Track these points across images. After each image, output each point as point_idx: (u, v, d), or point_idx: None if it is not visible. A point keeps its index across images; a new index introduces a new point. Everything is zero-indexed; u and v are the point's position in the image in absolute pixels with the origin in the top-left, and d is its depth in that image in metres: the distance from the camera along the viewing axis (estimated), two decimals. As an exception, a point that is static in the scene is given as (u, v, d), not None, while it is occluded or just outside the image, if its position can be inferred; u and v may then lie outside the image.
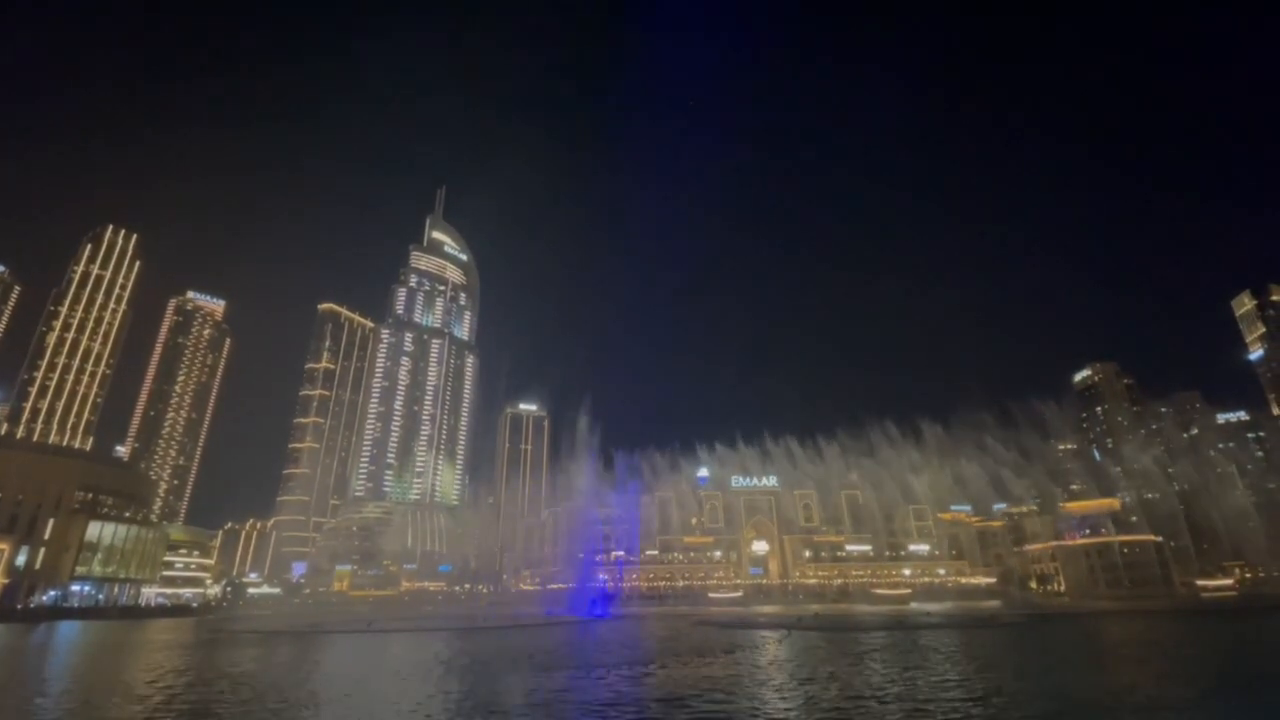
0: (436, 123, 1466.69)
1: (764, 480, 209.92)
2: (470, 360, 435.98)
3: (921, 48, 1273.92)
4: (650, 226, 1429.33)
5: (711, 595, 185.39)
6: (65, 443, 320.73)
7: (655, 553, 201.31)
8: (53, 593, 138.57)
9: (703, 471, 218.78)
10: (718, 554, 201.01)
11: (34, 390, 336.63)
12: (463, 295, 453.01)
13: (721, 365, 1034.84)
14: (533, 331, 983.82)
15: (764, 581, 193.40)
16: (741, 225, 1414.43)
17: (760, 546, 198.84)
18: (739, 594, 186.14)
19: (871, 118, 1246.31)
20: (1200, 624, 69.78)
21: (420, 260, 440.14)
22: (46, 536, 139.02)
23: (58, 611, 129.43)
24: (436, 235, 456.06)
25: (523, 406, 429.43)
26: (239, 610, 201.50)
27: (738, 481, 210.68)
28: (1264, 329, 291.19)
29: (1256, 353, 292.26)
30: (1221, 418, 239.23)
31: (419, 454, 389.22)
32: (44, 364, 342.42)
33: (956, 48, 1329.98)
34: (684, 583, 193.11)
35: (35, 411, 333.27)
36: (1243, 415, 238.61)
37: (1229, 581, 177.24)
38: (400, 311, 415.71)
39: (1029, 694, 24.86)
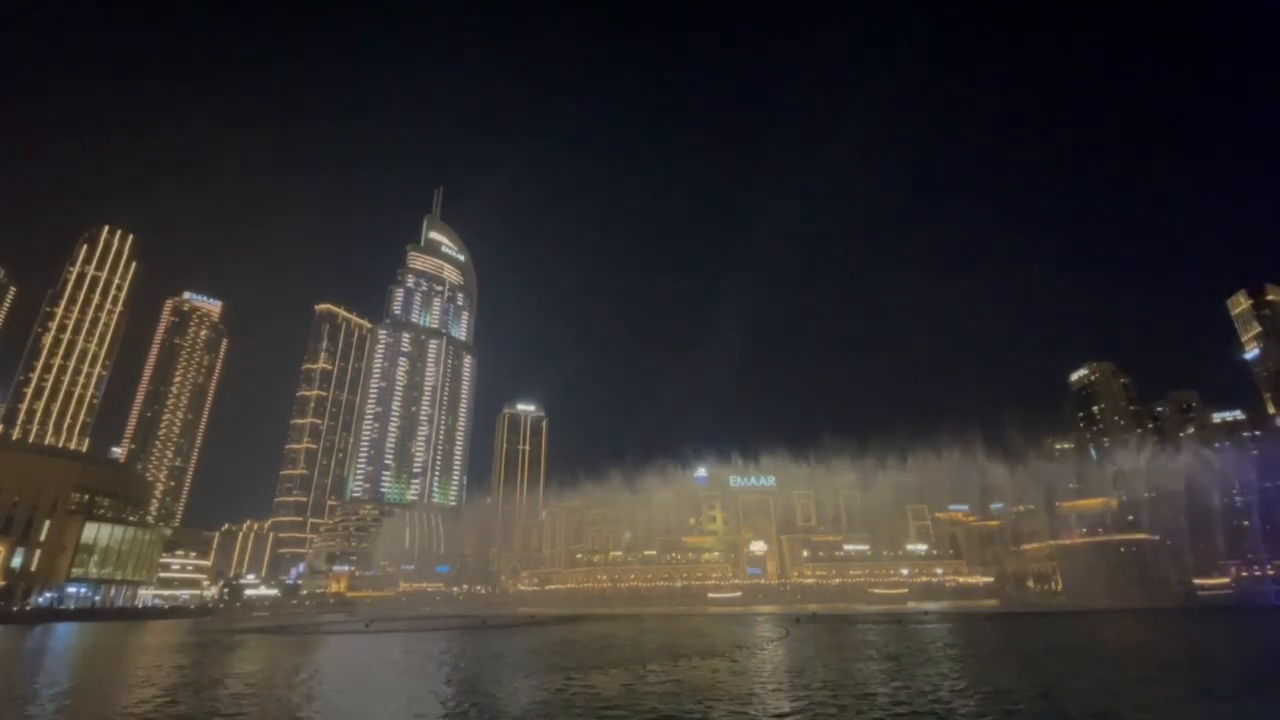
0: (434, 123, 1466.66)
1: (762, 480, 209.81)
2: (468, 361, 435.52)
3: (920, 46, 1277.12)
4: (649, 225, 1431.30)
5: (711, 595, 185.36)
6: (61, 444, 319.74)
7: (654, 553, 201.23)
8: (49, 594, 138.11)
9: (701, 471, 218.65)
10: (716, 554, 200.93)
11: (30, 391, 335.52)
12: (460, 296, 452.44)
13: (720, 365, 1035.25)
14: (531, 332, 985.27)
15: (762, 581, 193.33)
16: (740, 225, 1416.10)
17: (758, 547, 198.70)
18: (738, 594, 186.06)
19: (869, 117, 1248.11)
20: (1196, 622, 69.92)
21: (418, 260, 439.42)
22: (42, 538, 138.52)
23: (54, 613, 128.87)
24: (434, 235, 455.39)
25: (520, 407, 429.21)
26: (236, 611, 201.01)
27: (736, 482, 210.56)
28: (1259, 328, 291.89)
29: (1252, 352, 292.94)
30: (1217, 416, 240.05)
31: (416, 454, 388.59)
32: (40, 365, 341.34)
33: (955, 47, 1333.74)
34: (682, 583, 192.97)
35: (31, 413, 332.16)
36: (1239, 414, 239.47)
37: (1225, 580, 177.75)
38: (398, 312, 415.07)
39: (1039, 694, 24.84)
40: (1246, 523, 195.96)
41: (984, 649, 44.13)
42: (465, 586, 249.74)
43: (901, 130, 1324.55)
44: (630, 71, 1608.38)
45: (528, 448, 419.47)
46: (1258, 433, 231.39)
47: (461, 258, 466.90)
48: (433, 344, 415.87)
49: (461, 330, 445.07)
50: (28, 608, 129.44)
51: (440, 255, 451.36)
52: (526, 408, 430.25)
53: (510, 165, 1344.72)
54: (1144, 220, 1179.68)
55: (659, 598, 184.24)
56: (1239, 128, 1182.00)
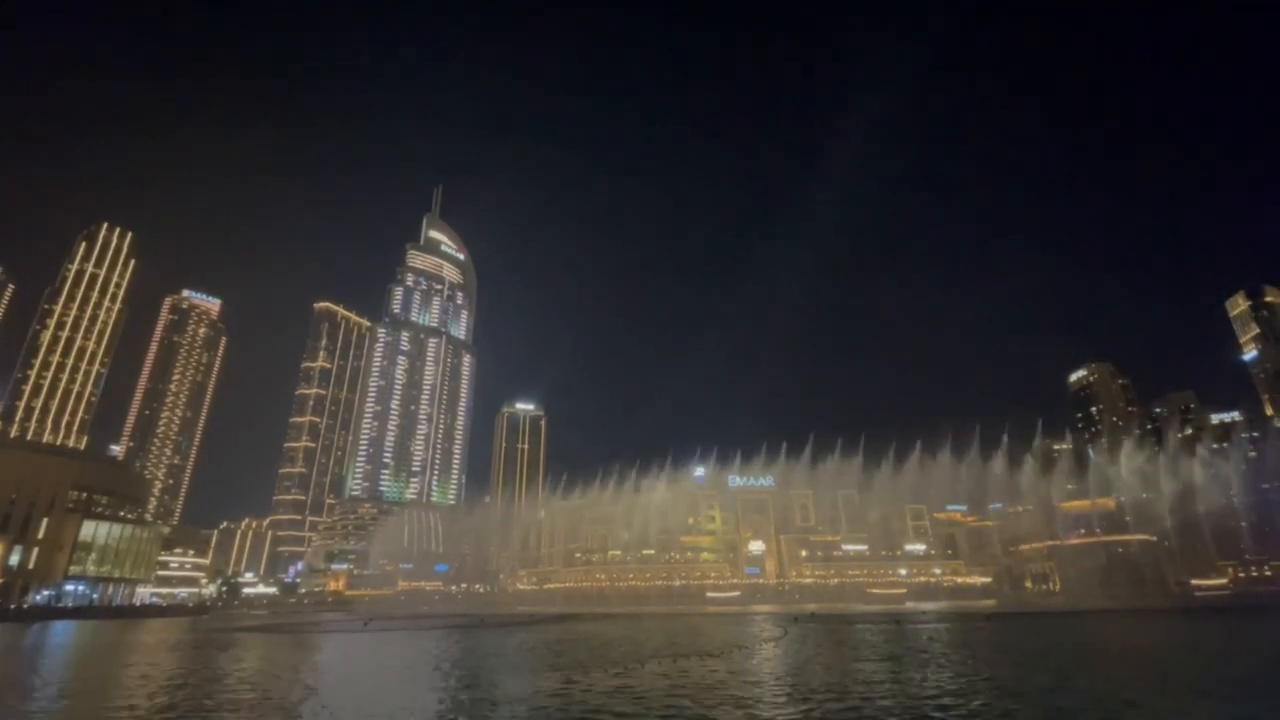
0: (434, 122, 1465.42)
1: (761, 480, 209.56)
2: (467, 359, 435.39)
3: (921, 46, 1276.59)
4: (648, 226, 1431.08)
5: (709, 595, 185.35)
6: (59, 441, 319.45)
7: (652, 552, 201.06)
8: (46, 592, 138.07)
9: (699, 471, 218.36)
10: (714, 554, 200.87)
11: (28, 389, 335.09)
12: (460, 294, 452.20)
13: (721, 365, 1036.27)
14: (530, 331, 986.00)
15: (760, 581, 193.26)
16: (740, 225, 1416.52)
17: (757, 546, 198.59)
18: (736, 594, 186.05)
19: (869, 119, 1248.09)
20: (1194, 623, 70.06)
21: (417, 259, 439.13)
22: (40, 536, 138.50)
23: (51, 611, 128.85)
24: (434, 234, 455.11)
25: (519, 406, 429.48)
26: (234, 609, 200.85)
27: (734, 481, 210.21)
28: (1258, 330, 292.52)
29: (1250, 353, 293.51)
30: (1215, 418, 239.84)
31: (415, 453, 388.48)
32: (38, 362, 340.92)
33: (956, 48, 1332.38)
34: (681, 582, 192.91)
35: (29, 410, 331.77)
36: (1236, 415, 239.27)
37: (1222, 581, 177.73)
38: (397, 310, 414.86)
39: (1037, 694, 24.86)
40: (1244, 524, 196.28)
41: (982, 649, 44.16)
42: (464, 585, 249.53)
43: (902, 131, 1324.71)
44: (631, 71, 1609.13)
45: (526, 447, 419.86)
46: (1255, 434, 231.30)
47: (461, 256, 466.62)
48: (432, 343, 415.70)
49: (461, 329, 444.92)
50: (25, 605, 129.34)
51: (440, 254, 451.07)
52: (525, 407, 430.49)
53: (510, 164, 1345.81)
54: (1143, 222, 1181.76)
55: (657, 597, 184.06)
56: (1238, 130, 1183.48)
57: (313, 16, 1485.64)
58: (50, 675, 37.47)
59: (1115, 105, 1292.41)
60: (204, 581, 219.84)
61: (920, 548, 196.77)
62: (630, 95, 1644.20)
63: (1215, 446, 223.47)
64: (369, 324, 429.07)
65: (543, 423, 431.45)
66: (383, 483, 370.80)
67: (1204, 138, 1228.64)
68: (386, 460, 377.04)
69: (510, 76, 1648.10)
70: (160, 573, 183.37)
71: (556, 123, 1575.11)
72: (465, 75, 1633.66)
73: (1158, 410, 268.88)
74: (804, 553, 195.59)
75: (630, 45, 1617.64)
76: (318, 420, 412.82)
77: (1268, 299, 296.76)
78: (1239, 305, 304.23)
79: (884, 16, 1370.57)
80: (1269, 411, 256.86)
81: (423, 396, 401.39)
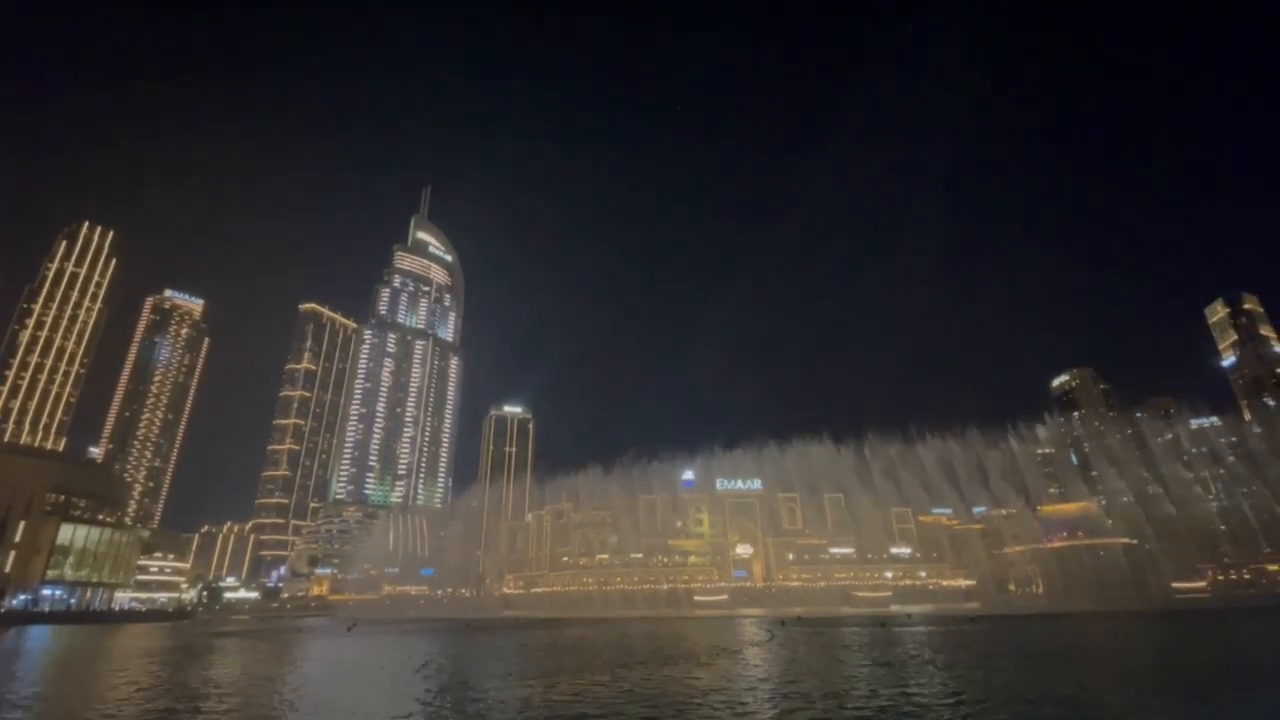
0: (422, 123, 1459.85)
1: (748, 484, 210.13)
2: (454, 362, 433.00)
3: (915, 49, 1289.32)
4: (638, 227, 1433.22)
5: (697, 598, 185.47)
6: (37, 443, 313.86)
7: (640, 555, 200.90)
8: (23, 596, 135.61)
9: (688, 474, 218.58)
10: (703, 557, 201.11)
11: (5, 389, 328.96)
12: (447, 296, 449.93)
13: (708, 368, 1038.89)
14: (518, 333, 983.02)
15: (748, 584, 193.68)
16: (730, 227, 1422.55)
17: (744, 550, 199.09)
18: (724, 597, 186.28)
19: (859, 121, 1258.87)
20: (1175, 625, 70.95)
21: (404, 260, 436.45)
22: (17, 539, 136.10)
23: (27, 616, 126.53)
24: (421, 235, 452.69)
25: (507, 409, 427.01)
26: (215, 615, 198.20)
27: (722, 484, 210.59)
28: (1236, 336, 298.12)
29: (1229, 359, 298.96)
30: (1195, 423, 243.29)
31: (401, 456, 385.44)
32: (16, 362, 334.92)
33: (949, 55, 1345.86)
34: (669, 586, 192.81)
35: (6, 411, 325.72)
36: (1215, 421, 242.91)
37: (1202, 584, 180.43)
38: (383, 312, 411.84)
39: (1030, 697, 25.01)
40: (1223, 527, 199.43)
41: (966, 653, 44.42)
42: (450, 590, 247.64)
43: (891, 135, 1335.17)
44: (621, 71, 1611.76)
45: (514, 449, 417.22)
46: (1234, 439, 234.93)
47: (449, 258, 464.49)
48: (419, 345, 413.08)
49: (448, 331, 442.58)
50: (1, 610, 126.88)
51: (427, 255, 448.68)
52: (513, 409, 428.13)
53: (499, 166, 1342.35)
54: (1126, 229, 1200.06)
55: (645, 601, 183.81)
56: (1222, 140, 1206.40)
57: (299, 16, 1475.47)
58: (24, 684, 36.69)
59: (1101, 113, 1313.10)
60: (184, 586, 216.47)
61: (906, 551, 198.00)
62: (621, 95, 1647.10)
63: (1195, 451, 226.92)
64: (355, 325, 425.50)
65: (530, 425, 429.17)
66: (368, 486, 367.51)
67: (1188, 147, 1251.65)
68: (372, 463, 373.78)
69: (500, 77, 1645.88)
70: (139, 577, 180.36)
71: (545, 123, 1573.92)
72: (453, 75, 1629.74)
73: (1139, 415, 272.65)
74: (791, 556, 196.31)
75: (622, 45, 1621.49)
76: (302, 423, 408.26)
77: (1246, 306, 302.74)
78: (1218, 312, 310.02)
79: (879, 18, 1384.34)
80: (1247, 416, 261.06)
81: (409, 399, 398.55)
